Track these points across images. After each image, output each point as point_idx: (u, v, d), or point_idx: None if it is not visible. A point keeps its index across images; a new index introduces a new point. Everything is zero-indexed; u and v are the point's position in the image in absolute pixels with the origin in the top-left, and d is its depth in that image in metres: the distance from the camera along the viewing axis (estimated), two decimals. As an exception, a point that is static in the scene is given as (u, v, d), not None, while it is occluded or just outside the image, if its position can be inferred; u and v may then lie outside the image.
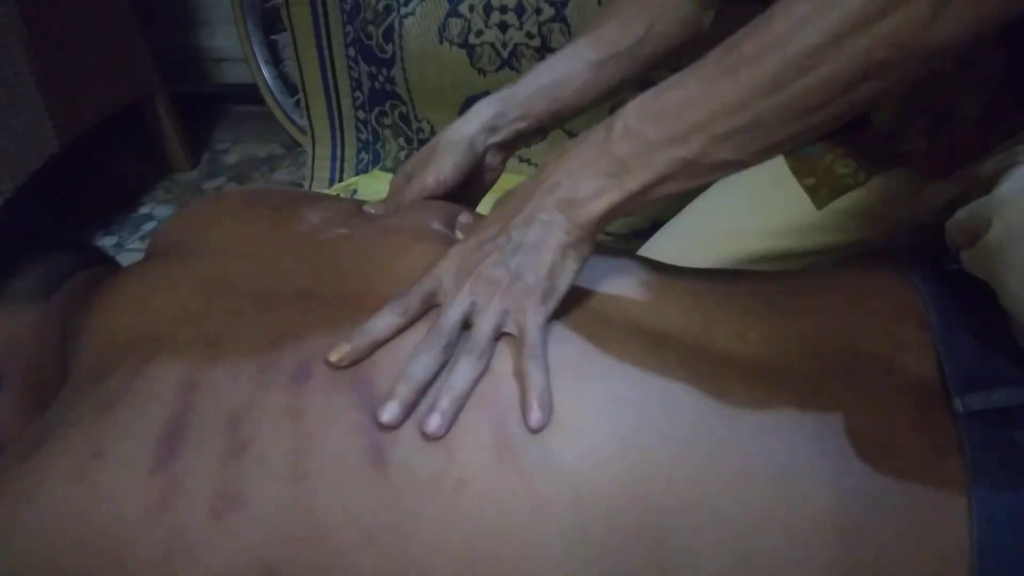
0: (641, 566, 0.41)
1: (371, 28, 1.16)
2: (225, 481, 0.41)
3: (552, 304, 0.46)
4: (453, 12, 1.11)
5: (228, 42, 1.52)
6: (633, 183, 0.45)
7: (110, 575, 0.41)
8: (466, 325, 0.45)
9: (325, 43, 1.24)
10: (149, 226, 1.34)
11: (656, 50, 0.66)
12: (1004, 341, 0.44)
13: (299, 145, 1.44)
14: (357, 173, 1.32)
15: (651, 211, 1.15)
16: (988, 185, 0.45)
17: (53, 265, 0.59)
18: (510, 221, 0.47)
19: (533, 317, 0.45)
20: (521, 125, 0.65)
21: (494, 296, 0.45)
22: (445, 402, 0.42)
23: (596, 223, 0.46)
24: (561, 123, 0.68)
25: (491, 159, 0.66)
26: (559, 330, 0.46)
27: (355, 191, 1.26)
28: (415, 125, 1.25)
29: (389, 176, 1.28)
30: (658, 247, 0.82)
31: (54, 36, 1.14)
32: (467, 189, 0.65)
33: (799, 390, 0.45)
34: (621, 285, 0.50)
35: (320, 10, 1.21)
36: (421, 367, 0.43)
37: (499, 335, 0.45)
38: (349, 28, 1.21)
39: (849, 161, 0.74)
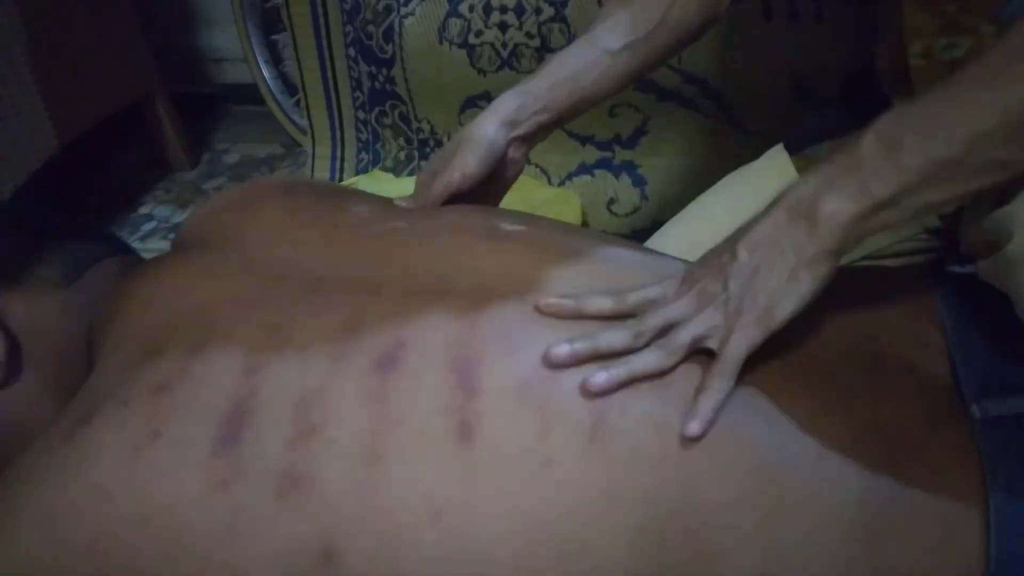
0: (686, 563, 0.42)
1: (371, 28, 1.16)
2: (292, 463, 0.42)
3: (763, 331, 0.44)
4: (453, 12, 1.11)
5: (228, 42, 1.52)
6: (883, 190, 0.41)
7: (165, 550, 0.42)
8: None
9: (325, 43, 1.24)
10: (149, 226, 1.34)
11: (674, 36, 0.66)
12: (1019, 347, 0.45)
13: (299, 145, 1.44)
14: (357, 173, 1.32)
15: (652, 210, 1.15)
16: (999, 190, 0.45)
17: (76, 252, 0.60)
18: (736, 241, 0.46)
19: (738, 339, 0.44)
20: (542, 118, 0.66)
21: (705, 309, 0.45)
22: (618, 371, 0.43)
23: (839, 239, 0.43)
24: (581, 113, 0.68)
25: (513, 152, 0.66)
26: None
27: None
28: (415, 125, 1.25)
29: (389, 176, 1.28)
30: (660, 247, 0.82)
31: (54, 36, 1.14)
32: (491, 183, 0.66)
33: (827, 386, 0.46)
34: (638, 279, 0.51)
35: (320, 10, 1.21)
36: (608, 337, 0.44)
37: (698, 347, 0.45)
38: (349, 28, 1.21)
39: None
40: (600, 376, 0.43)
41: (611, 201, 1.16)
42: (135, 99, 1.36)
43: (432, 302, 0.47)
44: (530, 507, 0.42)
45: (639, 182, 1.15)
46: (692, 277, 0.47)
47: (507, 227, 0.56)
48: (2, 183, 1.07)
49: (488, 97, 1.17)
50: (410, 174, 1.28)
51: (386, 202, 0.62)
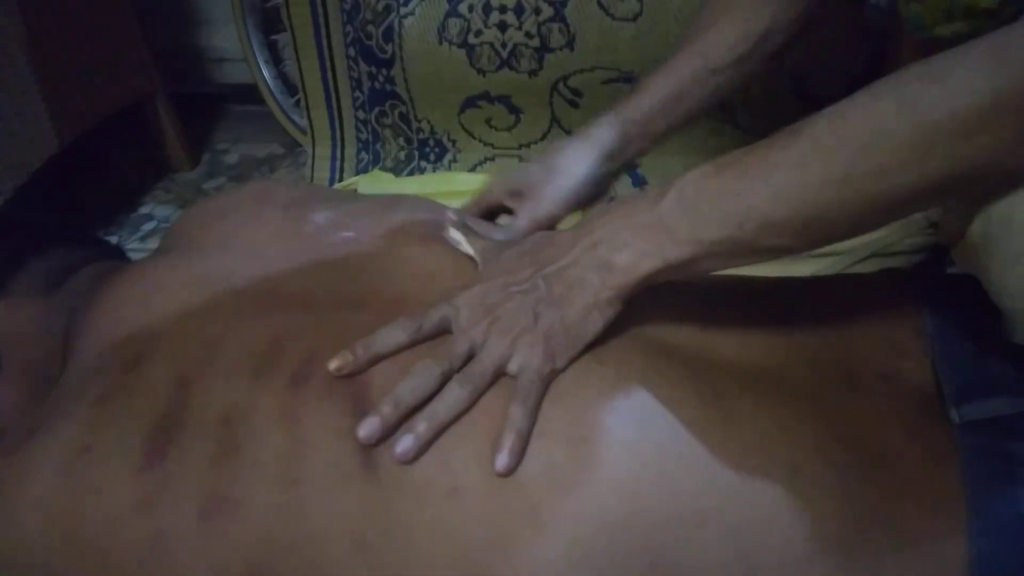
0: None
1: (371, 28, 1.16)
2: (216, 482, 0.41)
3: (563, 360, 0.45)
4: (452, 12, 1.11)
5: (228, 42, 1.51)
6: (676, 255, 0.43)
7: (94, 569, 0.41)
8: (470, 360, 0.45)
9: (325, 43, 1.24)
10: (149, 226, 1.34)
11: (774, 47, 0.62)
12: (1000, 348, 0.44)
13: (299, 145, 1.44)
14: (357, 173, 1.32)
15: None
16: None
17: (58, 260, 0.60)
18: (542, 269, 0.46)
19: (539, 365, 0.44)
20: (642, 145, 0.63)
21: (505, 337, 0.44)
22: (422, 427, 0.42)
23: (631, 288, 0.45)
24: (680, 131, 0.65)
25: (609, 180, 0.65)
26: None
27: (355, 191, 1.25)
28: (415, 125, 1.25)
29: (389, 176, 1.28)
30: None
31: (54, 36, 1.14)
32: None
33: (799, 397, 0.45)
34: None
35: (320, 10, 1.21)
36: (410, 389, 0.43)
37: (500, 373, 0.44)
38: (349, 28, 1.21)
39: None
40: (404, 444, 0.41)
41: (611, 200, 1.16)
42: (135, 99, 1.36)
43: (349, 317, 0.47)
44: (448, 536, 0.40)
45: (639, 182, 1.15)
46: (489, 299, 0.46)
47: (440, 228, 0.55)
48: (2, 183, 1.07)
49: (488, 97, 1.17)
50: (410, 174, 1.28)
51: (347, 208, 0.60)
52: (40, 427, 0.44)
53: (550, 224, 0.61)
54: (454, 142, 1.25)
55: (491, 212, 0.63)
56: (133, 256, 1.24)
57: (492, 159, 1.24)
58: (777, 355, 0.47)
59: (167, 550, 0.41)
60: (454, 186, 1.22)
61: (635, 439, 0.42)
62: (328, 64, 1.26)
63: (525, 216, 0.60)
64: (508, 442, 0.41)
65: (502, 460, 0.41)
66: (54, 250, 0.61)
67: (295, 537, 0.41)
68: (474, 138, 1.23)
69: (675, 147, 1.13)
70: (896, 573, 0.41)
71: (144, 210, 1.39)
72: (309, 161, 1.34)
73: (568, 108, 1.16)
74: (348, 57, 1.24)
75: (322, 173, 1.33)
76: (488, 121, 1.20)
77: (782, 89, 1.06)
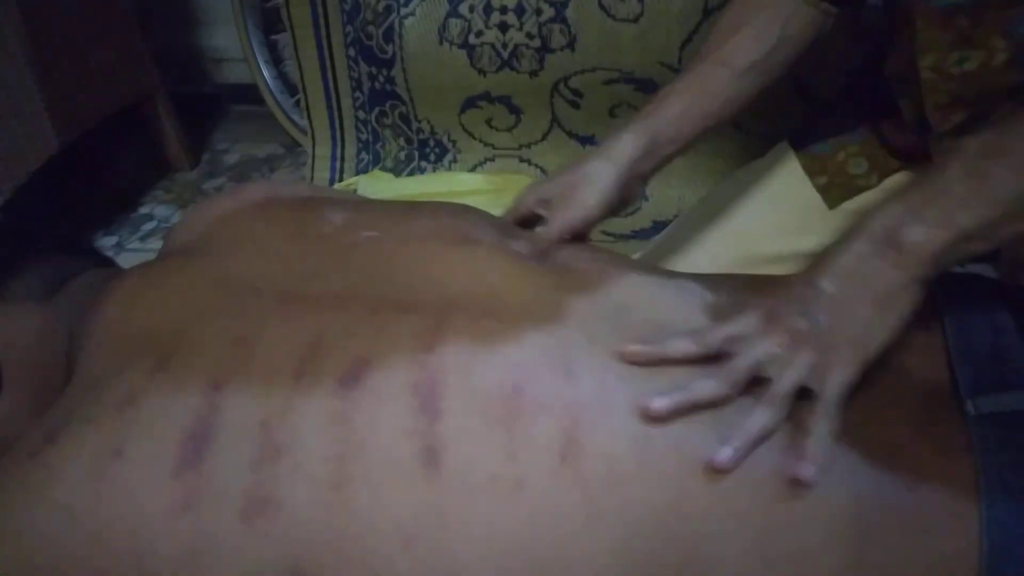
0: (675, 573, 0.41)
1: (371, 28, 1.16)
2: (257, 485, 0.41)
3: (860, 365, 0.44)
4: (453, 12, 1.11)
5: (228, 42, 1.52)
6: (970, 221, 0.42)
7: (126, 572, 0.41)
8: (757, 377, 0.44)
9: (325, 43, 1.24)
10: (149, 226, 1.34)
11: (792, 50, 0.66)
12: (1018, 344, 0.45)
13: (299, 145, 1.44)
14: (357, 173, 1.32)
15: (652, 210, 1.15)
16: None
17: (54, 267, 0.59)
18: (817, 273, 0.45)
19: (837, 376, 0.43)
20: (669, 150, 0.65)
21: (799, 349, 0.43)
22: (738, 441, 0.42)
23: (927, 267, 0.43)
24: (704, 138, 0.67)
25: (635, 187, 0.66)
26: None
27: (355, 191, 1.26)
28: (415, 125, 1.25)
29: (389, 176, 1.28)
30: (666, 245, 0.82)
31: (54, 36, 1.14)
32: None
33: None
34: (643, 295, 0.51)
35: (320, 10, 1.21)
36: (704, 388, 0.43)
37: (799, 390, 0.44)
38: (349, 28, 1.21)
39: (861, 160, 0.74)
40: (725, 453, 0.41)
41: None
42: (135, 99, 1.36)
43: (396, 318, 0.47)
44: (503, 531, 0.41)
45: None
46: (774, 312, 0.45)
47: (480, 233, 0.55)
48: (2, 183, 1.07)
49: (488, 97, 1.17)
50: (410, 174, 1.28)
51: (364, 208, 0.61)
52: (60, 431, 0.44)
53: (584, 228, 0.62)
54: (454, 142, 1.25)
55: (525, 222, 0.64)
56: (133, 256, 1.25)
57: (492, 159, 1.24)
58: None
59: (207, 552, 0.40)
60: (454, 186, 1.22)
61: (681, 438, 0.43)
62: (328, 64, 1.26)
63: (557, 222, 0.61)
64: (814, 454, 0.41)
65: (808, 470, 0.41)
66: (49, 258, 0.60)
67: (341, 537, 0.41)
68: (474, 138, 1.23)
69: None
70: (907, 565, 0.41)
71: (144, 210, 1.39)
72: (309, 161, 1.35)
73: (569, 108, 1.16)
74: (348, 57, 1.24)
75: (322, 173, 1.33)
76: (488, 121, 1.21)
77: (782, 89, 1.06)
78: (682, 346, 0.45)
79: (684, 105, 0.64)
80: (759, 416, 0.42)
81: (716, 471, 0.41)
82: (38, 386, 0.54)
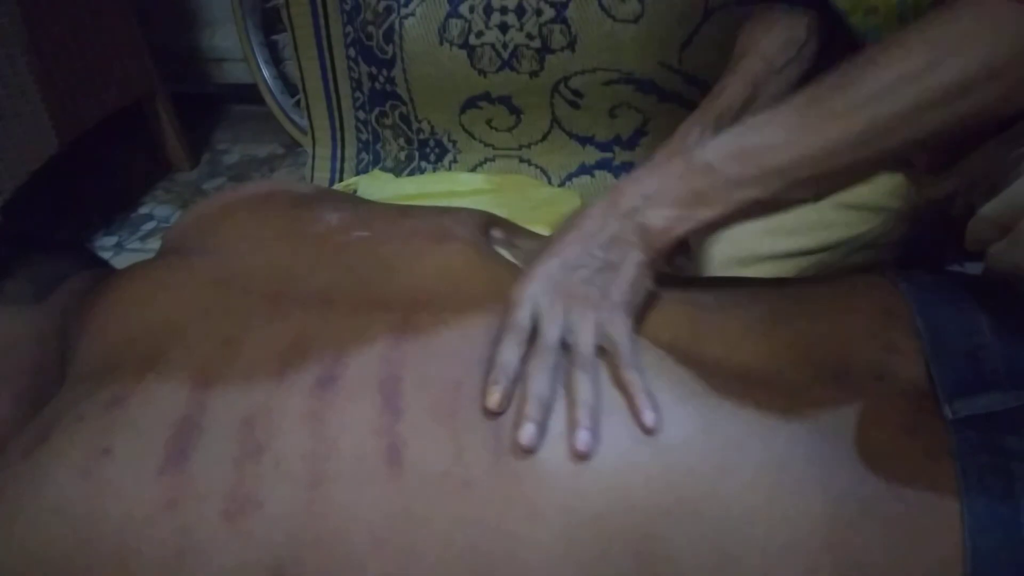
0: (629, 571, 0.41)
1: (371, 29, 1.16)
2: (239, 483, 0.41)
3: (633, 317, 0.47)
4: (453, 13, 1.11)
5: (228, 42, 1.51)
6: (707, 215, 0.47)
7: (114, 572, 0.41)
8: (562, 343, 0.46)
9: (325, 43, 1.24)
10: (149, 226, 1.34)
11: (816, 48, 0.71)
12: (994, 344, 0.44)
13: (299, 145, 1.44)
14: (357, 173, 1.32)
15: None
16: (992, 176, 0.45)
17: (47, 267, 0.59)
18: (591, 241, 0.48)
19: (623, 329, 0.46)
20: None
21: (587, 313, 0.46)
22: (587, 419, 0.42)
23: (670, 249, 0.49)
24: None
25: None
26: None
27: (355, 191, 1.26)
28: (415, 126, 1.25)
29: (389, 176, 1.28)
30: None
31: (54, 36, 1.14)
32: None
33: (788, 396, 0.45)
34: None
35: (320, 10, 1.21)
36: (544, 386, 0.44)
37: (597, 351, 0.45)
38: (349, 28, 1.21)
39: None
40: (583, 438, 0.42)
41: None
42: (135, 99, 1.36)
43: (373, 316, 0.47)
44: (462, 532, 0.41)
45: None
46: (559, 283, 0.47)
47: (460, 230, 0.55)
48: (2, 183, 1.07)
49: (488, 98, 1.17)
50: (410, 174, 1.28)
51: (359, 209, 0.61)
52: (52, 430, 0.44)
53: None
54: (454, 143, 1.25)
55: None
56: (133, 256, 1.25)
57: (492, 159, 1.24)
58: (766, 354, 0.47)
59: (191, 551, 0.41)
60: (454, 186, 1.22)
61: (619, 433, 0.43)
62: (328, 64, 1.26)
63: None
64: (644, 402, 0.43)
65: (650, 416, 0.43)
66: (41, 259, 0.60)
67: (319, 535, 0.41)
68: (474, 139, 1.23)
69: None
70: (887, 569, 0.41)
71: (144, 210, 1.39)
72: (309, 161, 1.34)
73: (569, 109, 1.16)
74: (348, 57, 1.24)
75: (322, 173, 1.33)
76: (489, 122, 1.20)
77: (783, 90, 1.06)
78: (514, 354, 0.45)
79: (743, 97, 0.69)
80: (585, 384, 0.43)
81: (582, 456, 0.42)
82: (32, 387, 0.54)
